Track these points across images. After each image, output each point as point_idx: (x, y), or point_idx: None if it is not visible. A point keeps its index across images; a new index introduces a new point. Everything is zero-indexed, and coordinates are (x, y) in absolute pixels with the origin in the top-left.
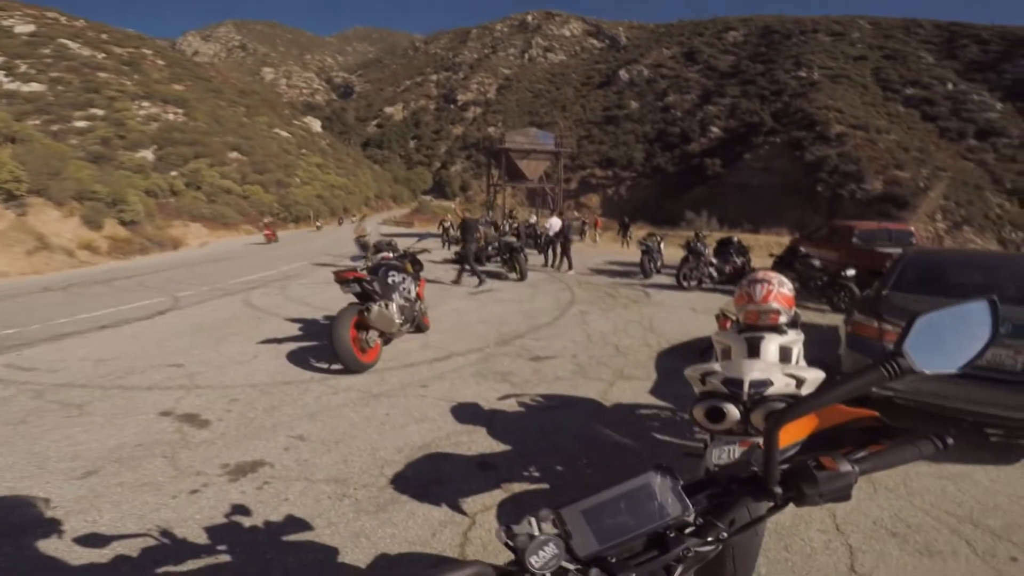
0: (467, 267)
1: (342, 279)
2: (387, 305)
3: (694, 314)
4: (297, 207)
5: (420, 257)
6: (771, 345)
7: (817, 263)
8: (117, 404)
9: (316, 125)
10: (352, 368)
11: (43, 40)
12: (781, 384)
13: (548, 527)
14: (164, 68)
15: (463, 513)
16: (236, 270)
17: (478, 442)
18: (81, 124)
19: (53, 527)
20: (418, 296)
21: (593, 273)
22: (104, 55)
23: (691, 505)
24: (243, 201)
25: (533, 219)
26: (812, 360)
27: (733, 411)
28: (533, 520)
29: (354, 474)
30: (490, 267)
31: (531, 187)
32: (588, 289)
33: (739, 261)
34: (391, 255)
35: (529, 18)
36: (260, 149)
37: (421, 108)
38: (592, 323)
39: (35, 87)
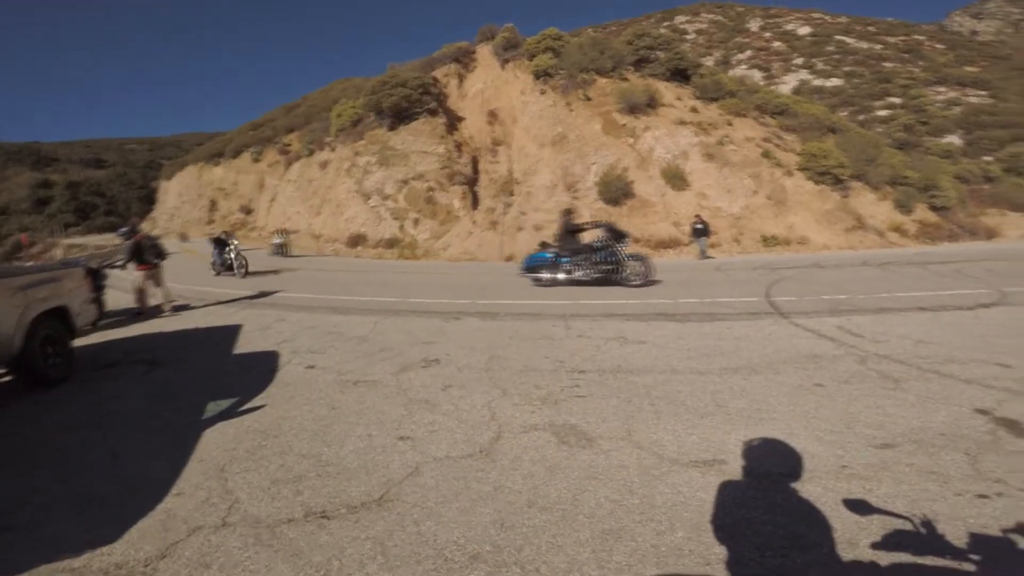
0: None
1: None
2: None
3: None
4: None
5: None
6: None
7: None
8: (931, 388)
9: None
10: None
11: (822, 39)
12: None
13: None
14: (945, 52)
15: None
16: None
17: None
18: (881, 113)
19: (830, 484)
20: None
21: None
22: (881, 46)
23: None
24: None
25: None
26: None
27: None
28: None
29: None
30: None
31: None
32: None
33: None
34: None
35: None
36: None
37: None
38: None
39: (834, 82)
